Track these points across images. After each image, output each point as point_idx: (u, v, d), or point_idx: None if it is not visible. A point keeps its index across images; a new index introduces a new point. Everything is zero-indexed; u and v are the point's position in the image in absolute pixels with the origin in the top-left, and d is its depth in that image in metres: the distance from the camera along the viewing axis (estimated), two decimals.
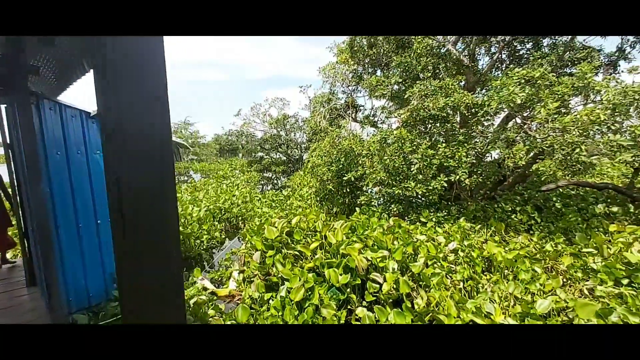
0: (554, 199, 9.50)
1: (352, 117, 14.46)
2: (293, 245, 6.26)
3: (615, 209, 8.15)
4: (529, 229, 8.15)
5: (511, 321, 4.07)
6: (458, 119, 9.35)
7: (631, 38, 9.34)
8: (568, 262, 5.18)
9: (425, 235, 7.02)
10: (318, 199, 12.45)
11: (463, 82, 10.13)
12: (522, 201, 9.38)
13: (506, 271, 5.25)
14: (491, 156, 9.54)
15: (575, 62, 8.81)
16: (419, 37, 9.39)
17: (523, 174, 10.37)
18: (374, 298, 4.74)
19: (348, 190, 10.15)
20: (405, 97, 8.30)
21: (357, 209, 9.07)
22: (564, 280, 5.19)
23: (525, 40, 10.26)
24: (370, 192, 9.20)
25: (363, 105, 15.22)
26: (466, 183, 8.08)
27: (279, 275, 5.35)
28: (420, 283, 4.94)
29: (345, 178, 9.42)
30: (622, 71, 9.64)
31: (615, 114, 5.80)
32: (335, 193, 10.85)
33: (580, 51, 9.10)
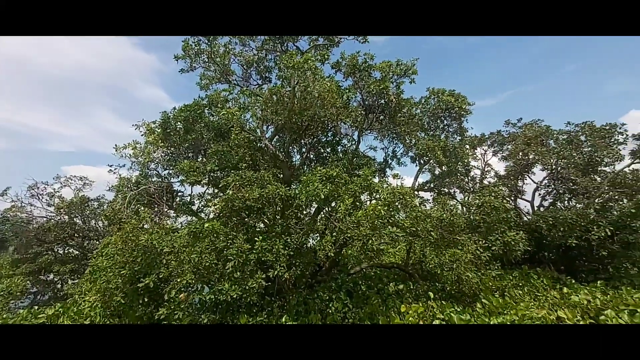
0: (360, 282, 10.55)
1: (167, 204, 12.48)
2: None
3: (401, 286, 9.70)
4: (344, 317, 8.34)
5: None
6: (278, 209, 9.48)
7: (390, 152, 12.94)
8: None
9: None
10: (108, 313, 9.00)
11: (281, 175, 10.74)
12: (336, 287, 9.85)
13: None
14: (307, 245, 9.91)
15: (360, 167, 11.08)
16: (237, 129, 9.50)
17: (335, 260, 11.30)
18: None
19: (146, 299, 7.74)
20: (220, 185, 7.68)
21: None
22: None
23: (326, 145, 12.42)
24: (176, 299, 7.28)
25: (182, 192, 13.63)
26: (286, 277, 7.68)
27: None
28: None
29: (141, 284, 7.16)
30: (388, 176, 12.98)
31: (390, 210, 7.11)
32: (128, 304, 8.07)
33: (362, 158, 11.61)
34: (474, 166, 14.98)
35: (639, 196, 9.89)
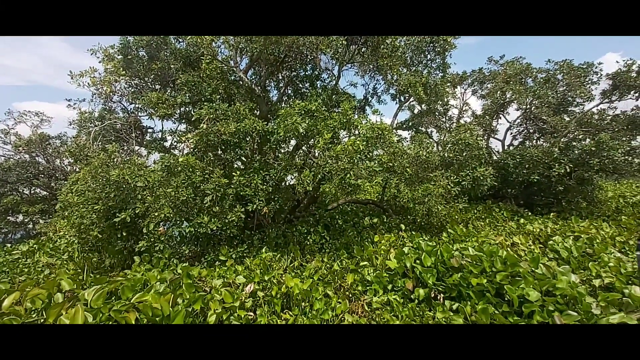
0: (337, 216, 11.04)
1: (137, 141, 11.84)
2: None
3: (375, 220, 10.25)
4: (321, 248, 8.84)
5: None
6: (256, 146, 9.25)
7: (371, 90, 12.56)
8: (351, 280, 5.61)
9: (224, 277, 6.06)
10: (87, 248, 9.03)
11: (257, 112, 10.26)
12: (314, 222, 10.29)
13: (304, 304, 5.06)
14: (286, 182, 9.99)
15: (339, 103, 10.74)
16: (208, 58, 8.67)
17: (313, 196, 11.59)
18: None
19: (125, 233, 7.74)
20: (193, 119, 7.25)
21: (135, 258, 6.97)
22: (350, 295, 5.59)
23: (304, 80, 11.77)
24: (154, 233, 7.34)
25: (152, 127, 12.89)
26: (265, 211, 7.84)
27: None
28: None
29: (117, 219, 7.08)
30: (368, 114, 12.77)
31: (369, 145, 7.11)
32: (106, 239, 8.08)
33: (342, 95, 11.20)
34: (453, 105, 15.00)
35: (600, 135, 10.46)
